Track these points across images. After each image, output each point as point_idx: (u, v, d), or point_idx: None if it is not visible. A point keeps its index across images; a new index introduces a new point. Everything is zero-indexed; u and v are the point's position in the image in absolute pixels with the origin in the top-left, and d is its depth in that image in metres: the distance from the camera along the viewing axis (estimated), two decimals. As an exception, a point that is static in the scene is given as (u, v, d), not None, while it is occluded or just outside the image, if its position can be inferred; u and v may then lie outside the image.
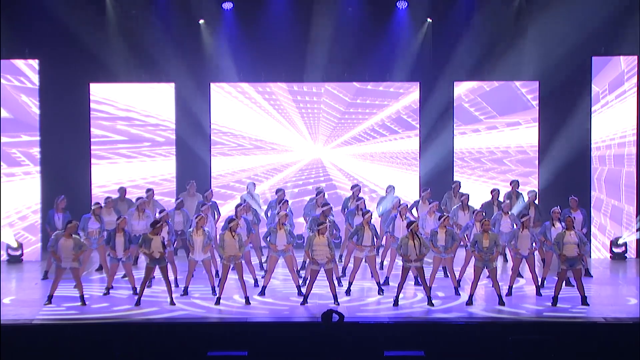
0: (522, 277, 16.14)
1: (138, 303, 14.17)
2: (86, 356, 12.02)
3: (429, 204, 16.70)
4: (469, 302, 14.18)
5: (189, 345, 12.19)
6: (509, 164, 20.34)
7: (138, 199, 16.92)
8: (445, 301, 14.56)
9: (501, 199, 17.53)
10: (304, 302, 14.20)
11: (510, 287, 14.89)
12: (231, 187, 20.59)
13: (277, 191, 17.45)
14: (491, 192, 17.47)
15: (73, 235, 14.45)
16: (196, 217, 14.97)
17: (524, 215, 15.13)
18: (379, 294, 14.96)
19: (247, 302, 14.29)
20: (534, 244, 14.93)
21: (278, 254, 14.92)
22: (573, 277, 14.32)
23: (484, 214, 15.64)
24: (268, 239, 14.94)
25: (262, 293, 14.87)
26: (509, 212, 16.27)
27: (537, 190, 18.61)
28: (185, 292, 14.96)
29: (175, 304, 14.18)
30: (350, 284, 15.07)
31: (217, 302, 14.27)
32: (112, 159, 20.20)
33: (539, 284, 15.15)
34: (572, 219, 14.48)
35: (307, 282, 14.46)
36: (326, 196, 17.70)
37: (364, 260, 15.18)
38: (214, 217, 17.12)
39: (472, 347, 12.20)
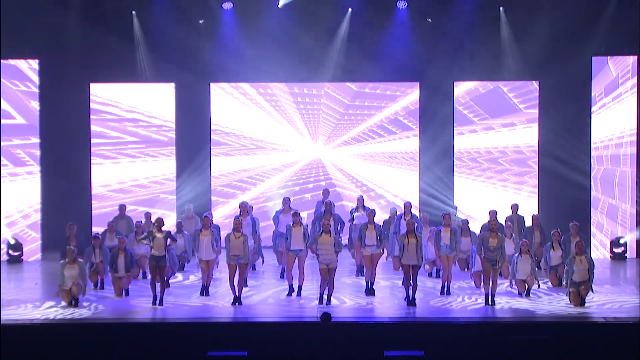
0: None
1: (154, 302, 14.19)
2: (86, 356, 12.02)
3: (429, 227, 16.62)
4: (491, 302, 14.18)
5: (189, 345, 12.19)
6: (508, 164, 20.33)
7: (137, 222, 16.76)
8: (445, 301, 14.58)
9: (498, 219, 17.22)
10: (320, 302, 14.20)
11: (520, 293, 14.97)
12: (231, 187, 20.61)
13: (283, 201, 17.15)
14: (489, 213, 17.16)
15: (78, 260, 14.50)
16: (203, 218, 15.02)
17: (524, 241, 15.27)
18: (365, 294, 14.90)
19: (239, 302, 14.22)
20: (531, 278, 14.91)
21: (295, 252, 14.90)
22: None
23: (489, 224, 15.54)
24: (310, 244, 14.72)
25: (299, 293, 14.88)
26: (512, 235, 16.15)
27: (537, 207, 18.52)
28: (206, 292, 14.98)
29: (162, 305, 14.17)
30: (369, 283, 15.01)
31: (235, 302, 14.23)
32: (112, 158, 20.18)
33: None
34: (582, 243, 14.52)
35: (320, 281, 14.41)
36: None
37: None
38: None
39: (472, 347, 12.20)
